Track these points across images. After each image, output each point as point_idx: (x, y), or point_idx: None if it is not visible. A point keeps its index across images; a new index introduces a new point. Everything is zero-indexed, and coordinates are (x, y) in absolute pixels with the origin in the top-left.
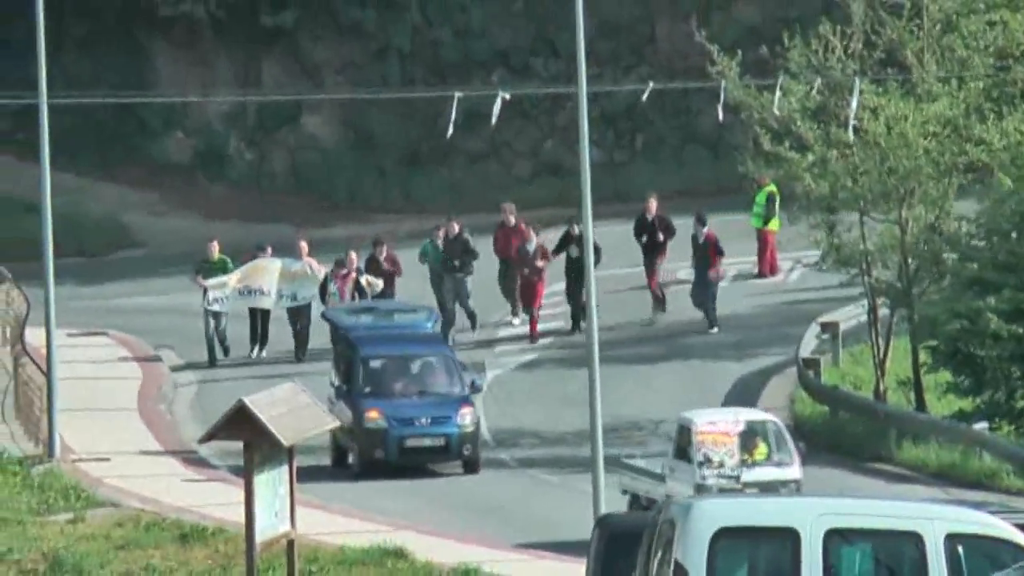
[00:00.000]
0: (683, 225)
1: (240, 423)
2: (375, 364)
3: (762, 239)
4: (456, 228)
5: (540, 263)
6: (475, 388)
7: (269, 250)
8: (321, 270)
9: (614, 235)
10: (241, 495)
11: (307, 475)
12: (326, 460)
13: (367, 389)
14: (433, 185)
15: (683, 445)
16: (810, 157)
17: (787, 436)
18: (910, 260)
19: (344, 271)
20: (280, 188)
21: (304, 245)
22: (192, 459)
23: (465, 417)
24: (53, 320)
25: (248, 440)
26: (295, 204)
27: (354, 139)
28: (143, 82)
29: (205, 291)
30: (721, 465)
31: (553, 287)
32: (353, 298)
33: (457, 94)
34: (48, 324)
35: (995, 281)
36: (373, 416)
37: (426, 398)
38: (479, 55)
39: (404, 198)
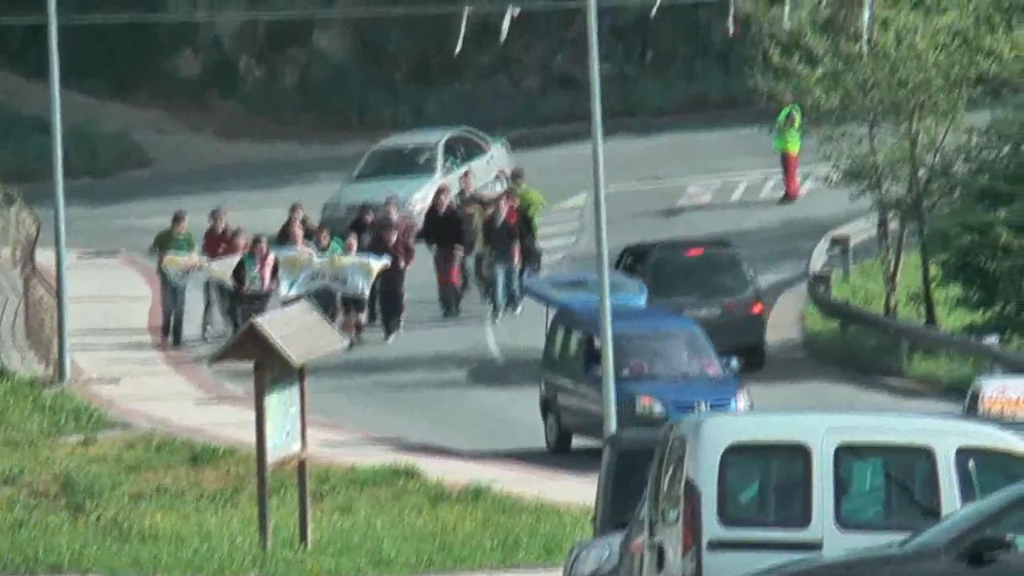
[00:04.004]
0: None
1: (251, 343)
2: (631, 343)
3: (782, 161)
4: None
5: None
6: (733, 369)
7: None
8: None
9: (624, 148)
10: (252, 416)
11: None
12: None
13: (624, 372)
14: (444, 100)
15: (971, 410)
16: (820, 70)
17: None
18: (920, 172)
19: (264, 254)
20: (290, 105)
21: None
22: (203, 380)
23: (741, 402)
24: (63, 241)
25: (259, 360)
26: (305, 121)
27: (364, 55)
28: (153, 0)
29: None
30: None
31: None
32: (270, 284)
33: (467, 8)
34: (58, 245)
35: (1006, 193)
36: (647, 403)
37: (693, 380)
38: None
39: (415, 114)
